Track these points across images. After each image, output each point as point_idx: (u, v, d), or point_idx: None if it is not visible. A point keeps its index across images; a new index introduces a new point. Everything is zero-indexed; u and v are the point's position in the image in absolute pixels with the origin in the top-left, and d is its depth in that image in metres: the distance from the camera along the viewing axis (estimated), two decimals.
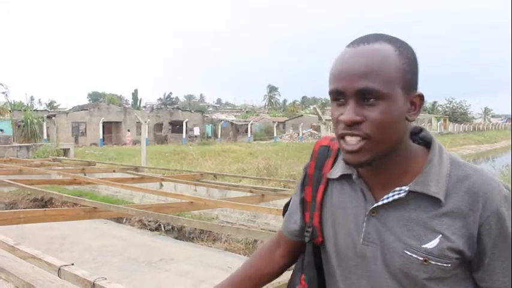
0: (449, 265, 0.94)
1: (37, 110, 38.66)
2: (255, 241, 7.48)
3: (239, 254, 7.48)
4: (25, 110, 29.46)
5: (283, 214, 1.27)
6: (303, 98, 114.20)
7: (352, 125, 0.93)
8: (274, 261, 1.25)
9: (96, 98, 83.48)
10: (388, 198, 0.98)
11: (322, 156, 1.14)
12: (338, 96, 0.96)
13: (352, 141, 0.94)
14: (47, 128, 31.77)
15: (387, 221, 0.98)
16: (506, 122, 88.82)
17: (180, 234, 8.79)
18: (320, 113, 10.88)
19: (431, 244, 0.94)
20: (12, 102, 37.84)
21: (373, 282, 1.01)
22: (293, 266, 1.28)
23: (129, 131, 38.51)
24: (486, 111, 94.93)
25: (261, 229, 6.86)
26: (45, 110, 44.57)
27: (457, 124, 63.69)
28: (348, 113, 0.93)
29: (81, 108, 39.72)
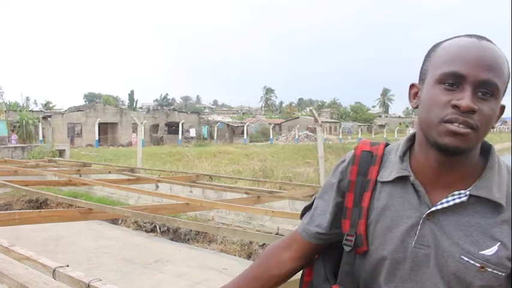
0: (504, 274, 0.94)
1: (32, 111, 38.59)
2: (251, 243, 7.47)
3: (235, 255, 7.47)
4: (20, 111, 29.38)
5: (301, 217, 1.24)
6: (300, 99, 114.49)
7: (467, 112, 0.91)
8: (282, 264, 1.21)
9: (92, 99, 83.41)
10: (448, 202, 0.97)
11: (365, 162, 1.11)
12: (453, 79, 0.94)
13: (461, 126, 0.92)
14: (43, 128, 31.71)
15: (443, 225, 0.97)
16: (501, 125, 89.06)
17: (175, 235, 8.77)
18: (316, 115, 10.84)
19: (490, 251, 0.93)
20: (8, 103, 37.77)
21: (420, 285, 0.99)
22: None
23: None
24: None
25: (257, 231, 6.87)
26: (41, 111, 44.48)
27: None
28: (468, 99, 0.91)
29: (77, 109, 39.61)
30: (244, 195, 7.35)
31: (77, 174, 10.30)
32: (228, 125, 50.06)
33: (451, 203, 0.96)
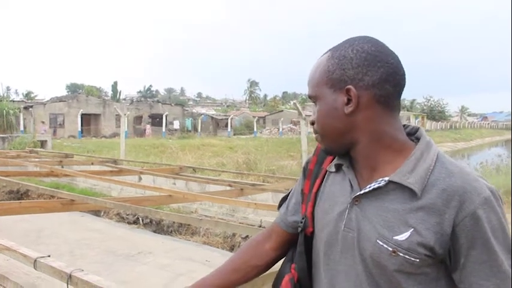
0: (418, 260, 0.95)
1: (13, 101, 38.08)
2: (234, 235, 7.50)
3: (217, 247, 7.49)
4: (1, 101, 28.95)
5: (279, 208, 1.31)
6: (284, 93, 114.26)
7: (313, 124, 1.12)
8: (262, 254, 1.27)
9: (74, 89, 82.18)
10: (370, 187, 1.02)
11: (323, 153, 1.20)
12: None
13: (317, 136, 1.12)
14: (24, 119, 31.26)
15: (367, 210, 1.02)
16: (481, 120, 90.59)
17: (158, 227, 8.75)
18: (300, 108, 10.90)
19: (402, 236, 0.95)
20: None
21: (349, 268, 1.04)
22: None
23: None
24: (463, 110, 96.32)
25: (240, 223, 6.88)
26: (22, 101, 43.88)
27: (434, 122, 64.59)
28: (311, 115, 1.12)
29: (59, 99, 39.05)
30: (228, 188, 7.35)
31: (59, 165, 10.19)
32: (212, 118, 49.92)
33: (371, 188, 1.01)
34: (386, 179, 1.00)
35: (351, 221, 1.04)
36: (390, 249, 0.96)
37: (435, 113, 71.48)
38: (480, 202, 0.93)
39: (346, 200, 1.07)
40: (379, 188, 1.01)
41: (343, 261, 1.05)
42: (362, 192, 1.03)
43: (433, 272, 0.98)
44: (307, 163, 1.24)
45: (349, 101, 1.02)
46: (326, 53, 1.09)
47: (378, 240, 0.98)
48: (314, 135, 1.14)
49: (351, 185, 1.07)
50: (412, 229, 0.95)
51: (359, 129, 1.03)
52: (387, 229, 0.98)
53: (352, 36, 1.06)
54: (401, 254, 0.96)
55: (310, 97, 1.11)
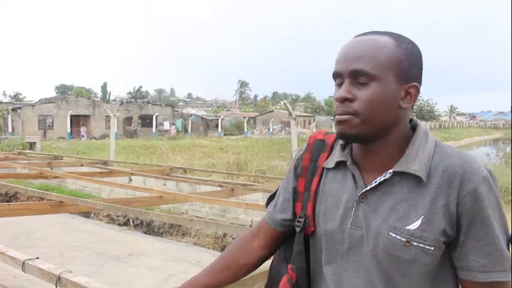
0: (432, 248, 0.97)
1: (1, 102, 37.76)
2: (225, 235, 7.49)
3: (208, 248, 7.47)
4: None
5: (267, 205, 1.29)
6: (274, 93, 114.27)
7: (343, 102, 1.01)
8: (251, 252, 1.26)
9: (64, 90, 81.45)
10: (376, 181, 1.02)
11: (317, 149, 1.18)
12: (337, 78, 1.04)
13: (342, 116, 1.01)
14: (12, 120, 31.03)
15: (374, 205, 1.02)
16: (470, 120, 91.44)
17: (149, 228, 8.71)
18: (290, 108, 10.90)
19: (414, 225, 0.97)
20: None
21: (357, 265, 1.04)
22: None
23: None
24: (452, 110, 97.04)
25: (230, 223, 6.87)
26: (10, 102, 43.55)
27: (423, 121, 65.04)
28: (341, 91, 1.01)
29: (48, 101, 38.72)
30: (218, 188, 7.34)
31: (48, 167, 10.11)
32: (203, 118, 49.79)
33: (378, 182, 1.02)
34: (391, 171, 1.01)
35: (357, 219, 1.04)
36: (404, 239, 0.98)
37: (424, 113, 72.02)
38: (479, 181, 0.96)
39: (351, 197, 1.06)
40: (384, 181, 1.02)
41: (352, 258, 1.05)
42: (368, 188, 1.03)
43: (441, 256, 1.00)
44: (298, 160, 1.21)
45: (406, 95, 1.02)
46: (382, 35, 1.03)
47: (390, 233, 0.99)
48: (341, 117, 1.02)
49: (355, 181, 1.07)
50: (423, 216, 0.97)
51: (398, 124, 1.04)
52: (398, 220, 0.99)
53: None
54: (414, 243, 0.97)
55: (360, 71, 0.99)
